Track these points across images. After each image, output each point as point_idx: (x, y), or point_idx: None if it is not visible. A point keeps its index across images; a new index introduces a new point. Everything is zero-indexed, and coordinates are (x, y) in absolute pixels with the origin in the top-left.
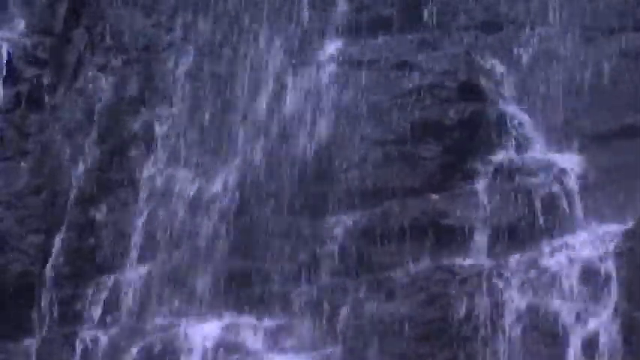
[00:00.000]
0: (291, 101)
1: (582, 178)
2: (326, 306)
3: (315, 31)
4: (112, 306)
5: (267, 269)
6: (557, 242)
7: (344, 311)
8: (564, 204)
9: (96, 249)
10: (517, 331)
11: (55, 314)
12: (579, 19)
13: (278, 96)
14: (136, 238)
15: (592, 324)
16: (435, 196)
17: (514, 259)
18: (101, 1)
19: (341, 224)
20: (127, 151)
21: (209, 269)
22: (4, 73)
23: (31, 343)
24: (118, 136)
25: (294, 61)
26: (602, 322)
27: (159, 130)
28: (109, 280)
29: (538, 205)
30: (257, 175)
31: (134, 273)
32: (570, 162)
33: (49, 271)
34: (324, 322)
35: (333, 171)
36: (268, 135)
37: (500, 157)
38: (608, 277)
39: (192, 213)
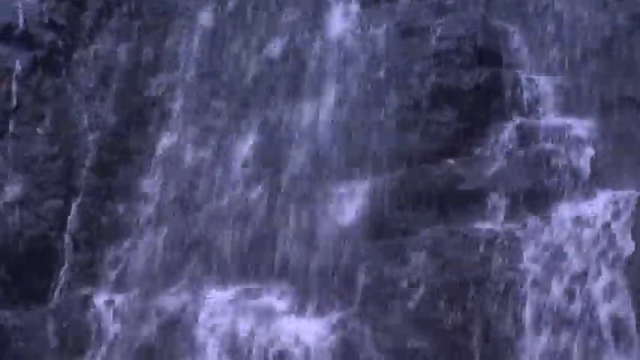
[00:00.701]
0: (307, 66)
1: (597, 143)
2: (343, 270)
3: None
4: (128, 270)
5: (285, 234)
6: (571, 206)
7: (361, 275)
8: (579, 169)
9: (112, 214)
10: (533, 295)
11: (73, 278)
12: None
13: (294, 62)
14: (152, 203)
15: (605, 285)
16: (451, 161)
17: (529, 223)
18: None
19: (358, 190)
20: (143, 117)
21: (226, 235)
22: (21, 37)
23: (49, 306)
24: (134, 101)
25: (310, 26)
26: (616, 283)
27: (174, 95)
28: (126, 244)
29: (553, 169)
30: (274, 140)
31: (151, 237)
32: (585, 127)
33: (66, 235)
34: (341, 286)
35: (349, 137)
36: (284, 101)
37: (515, 122)
38: (621, 241)
39: (209, 178)
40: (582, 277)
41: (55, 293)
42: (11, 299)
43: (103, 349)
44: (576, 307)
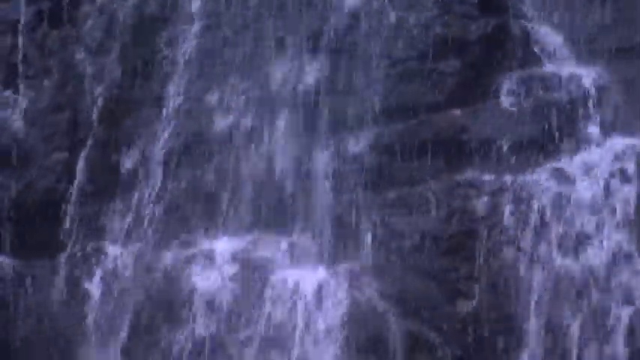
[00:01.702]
0: (309, 17)
1: (605, 91)
2: (348, 221)
3: None
4: (136, 223)
5: (290, 185)
6: (579, 156)
7: (366, 227)
8: (587, 117)
9: (119, 166)
10: (540, 245)
11: (81, 231)
12: None
13: (295, 14)
14: (160, 156)
15: (613, 235)
16: (456, 112)
17: (536, 172)
18: None
19: (363, 140)
20: (149, 69)
21: (232, 186)
22: None
23: (58, 259)
24: (140, 54)
25: None
26: (622, 234)
27: (181, 47)
28: (133, 197)
29: (560, 119)
30: (277, 90)
31: (158, 190)
32: (593, 76)
33: (73, 188)
34: (346, 238)
35: (354, 87)
36: (288, 52)
37: (522, 71)
38: (629, 190)
39: (217, 130)
40: (591, 224)
41: (63, 245)
42: (20, 251)
43: (110, 301)
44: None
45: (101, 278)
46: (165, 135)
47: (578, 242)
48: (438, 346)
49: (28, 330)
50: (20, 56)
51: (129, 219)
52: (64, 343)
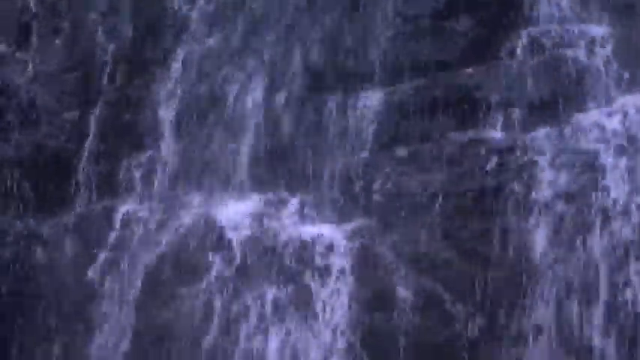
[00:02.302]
0: None
1: (615, 49)
2: (358, 179)
3: None
4: (148, 182)
5: (299, 145)
6: (590, 113)
7: (376, 185)
8: (597, 75)
9: (131, 125)
10: (551, 204)
11: (93, 189)
12: None
13: None
14: (171, 115)
15: (622, 185)
16: (468, 70)
17: (547, 130)
18: None
19: (374, 98)
20: (160, 28)
21: (244, 145)
22: None
23: (70, 218)
24: (151, 13)
25: None
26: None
27: (191, 6)
28: (145, 156)
29: (571, 76)
30: (287, 49)
31: (169, 149)
32: (603, 33)
33: (85, 147)
34: (356, 195)
35: (366, 44)
36: (301, 14)
37: (532, 29)
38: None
39: (228, 88)
40: (600, 180)
41: (76, 205)
42: (34, 210)
43: (123, 258)
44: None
45: (113, 236)
46: (177, 94)
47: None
48: (449, 304)
49: (40, 287)
50: (31, 16)
51: (140, 178)
52: (77, 300)
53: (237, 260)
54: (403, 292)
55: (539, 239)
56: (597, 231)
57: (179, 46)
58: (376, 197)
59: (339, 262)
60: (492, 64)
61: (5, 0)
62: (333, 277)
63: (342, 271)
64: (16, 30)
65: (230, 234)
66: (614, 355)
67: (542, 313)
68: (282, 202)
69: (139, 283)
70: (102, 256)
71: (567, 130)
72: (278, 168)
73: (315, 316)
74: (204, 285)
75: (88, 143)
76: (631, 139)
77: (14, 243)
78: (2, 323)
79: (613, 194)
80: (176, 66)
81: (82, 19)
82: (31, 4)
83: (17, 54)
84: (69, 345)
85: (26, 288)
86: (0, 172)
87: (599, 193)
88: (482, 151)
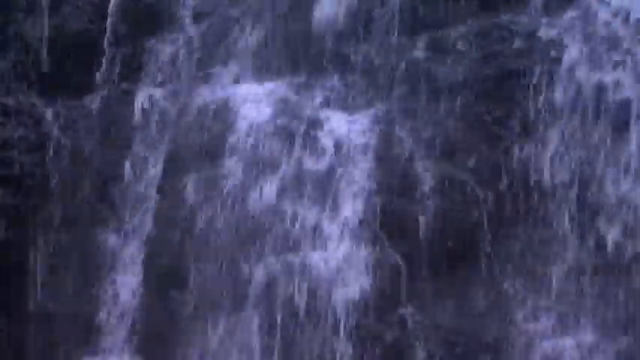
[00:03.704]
0: None
1: None
2: (382, 65)
3: None
4: (170, 65)
5: (324, 32)
6: None
7: (400, 71)
8: None
9: (153, 7)
10: (571, 85)
11: (115, 72)
12: None
13: None
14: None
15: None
16: None
17: (570, 15)
18: None
19: None
20: None
21: (267, 31)
22: None
23: (92, 100)
24: None
25: None
26: None
27: None
28: (166, 37)
29: None
30: None
31: (193, 31)
32: None
33: (107, 28)
34: (378, 80)
35: None
36: None
37: None
38: None
39: None
40: (621, 65)
41: (97, 87)
42: (55, 92)
43: (146, 139)
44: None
45: (135, 118)
46: None
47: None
48: (472, 188)
49: (63, 171)
50: None
51: (162, 61)
52: (100, 183)
53: (257, 142)
54: (424, 177)
55: (562, 123)
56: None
57: None
58: (397, 82)
59: (360, 147)
60: None
61: None
62: (354, 162)
63: (362, 156)
64: None
65: (251, 116)
66: None
67: (562, 193)
68: (304, 87)
69: (161, 163)
70: (124, 138)
71: (590, 15)
72: (301, 51)
73: (335, 200)
74: (225, 168)
75: (110, 25)
76: None
77: (36, 125)
78: (27, 205)
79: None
80: None
81: None
82: None
83: None
84: (89, 231)
85: (48, 172)
86: (24, 53)
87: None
88: (507, 35)
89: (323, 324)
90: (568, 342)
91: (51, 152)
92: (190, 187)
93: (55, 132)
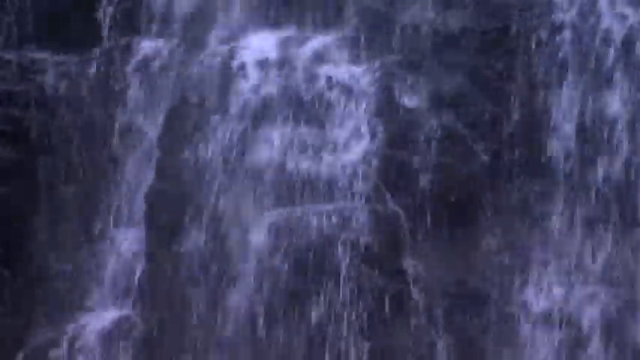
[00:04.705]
0: None
1: None
2: (384, 18)
3: None
4: (169, 17)
5: None
6: None
7: (402, 23)
8: None
9: None
10: (574, 42)
11: (115, 26)
12: None
13: None
14: None
15: None
16: None
17: None
18: None
19: None
20: None
21: None
22: None
23: (92, 54)
24: None
25: None
26: None
27: None
28: None
29: None
30: None
31: None
32: None
33: None
34: (381, 33)
35: None
36: None
37: None
38: None
39: None
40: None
41: (98, 40)
42: (56, 46)
43: (145, 93)
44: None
45: (135, 72)
46: None
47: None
48: (472, 141)
49: (65, 124)
50: None
51: (164, 14)
52: (101, 137)
53: (259, 93)
54: (424, 129)
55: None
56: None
57: None
58: (398, 35)
59: (360, 99)
60: None
61: None
62: (354, 115)
63: (362, 109)
64: None
65: (250, 69)
66: None
67: (561, 145)
68: (304, 39)
69: (160, 119)
70: (123, 93)
71: None
72: (303, 2)
73: (336, 150)
74: (226, 119)
75: None
76: None
77: (36, 79)
78: (29, 160)
79: None
80: None
81: None
82: None
83: None
84: (90, 185)
85: (51, 125)
86: (24, 7)
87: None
88: None
89: (325, 275)
90: (570, 291)
91: (51, 107)
92: (193, 139)
93: (56, 86)
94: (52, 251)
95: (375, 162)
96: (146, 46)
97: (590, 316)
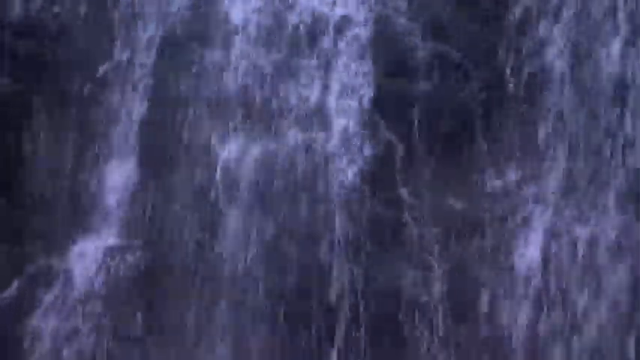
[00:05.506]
0: None
1: None
2: None
3: None
4: None
5: None
6: None
7: None
8: None
9: None
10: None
11: None
12: None
13: None
14: None
15: None
16: None
17: None
18: None
19: None
20: None
21: None
22: None
23: None
24: None
25: None
26: None
27: None
28: None
29: None
30: None
31: None
32: None
33: None
34: None
35: None
36: None
37: None
38: None
39: None
40: None
41: None
42: None
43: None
44: None
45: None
46: None
47: None
48: (466, 68)
49: (54, 51)
50: None
51: None
52: (90, 63)
53: (252, 24)
54: (418, 56)
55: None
56: None
57: None
58: None
59: (356, 30)
60: None
61: None
62: (349, 43)
63: (358, 39)
64: None
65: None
66: None
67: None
68: None
69: (154, 50)
70: (113, 19)
71: None
72: None
73: (330, 80)
74: (220, 51)
75: None
76: None
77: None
78: (21, 87)
79: None
80: None
81: None
82: None
83: None
84: (81, 112)
85: (43, 53)
86: None
87: None
88: None
89: (320, 203)
90: (570, 223)
91: (42, 36)
92: (186, 69)
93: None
94: (49, 178)
95: (369, 89)
96: None
97: (580, 234)
